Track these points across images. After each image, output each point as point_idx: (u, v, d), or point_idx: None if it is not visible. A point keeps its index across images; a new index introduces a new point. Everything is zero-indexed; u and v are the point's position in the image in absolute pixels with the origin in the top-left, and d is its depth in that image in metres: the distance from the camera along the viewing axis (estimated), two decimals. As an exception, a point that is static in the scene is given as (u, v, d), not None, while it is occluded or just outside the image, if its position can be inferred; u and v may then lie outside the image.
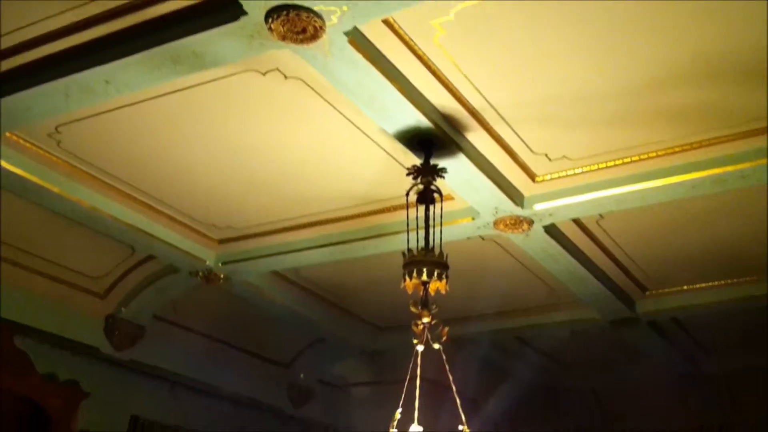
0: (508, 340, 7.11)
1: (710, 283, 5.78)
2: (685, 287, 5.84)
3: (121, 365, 5.82)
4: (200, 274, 5.45)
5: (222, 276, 5.50)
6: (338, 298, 6.37)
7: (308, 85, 3.68)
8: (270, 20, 3.05)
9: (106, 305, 5.65)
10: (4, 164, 4.14)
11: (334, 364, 7.55)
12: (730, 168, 4.03)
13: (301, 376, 7.32)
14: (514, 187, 4.43)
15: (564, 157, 4.21)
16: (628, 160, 4.17)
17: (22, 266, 5.09)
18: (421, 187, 3.94)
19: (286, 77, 3.63)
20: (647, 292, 5.96)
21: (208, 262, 5.35)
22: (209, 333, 6.37)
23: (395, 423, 3.59)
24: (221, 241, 5.30)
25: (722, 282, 5.75)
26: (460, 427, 3.66)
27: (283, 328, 6.65)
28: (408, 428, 3.57)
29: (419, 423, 3.59)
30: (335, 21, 3.07)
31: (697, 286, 5.82)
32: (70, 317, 5.46)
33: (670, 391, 7.73)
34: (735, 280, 5.70)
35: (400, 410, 3.62)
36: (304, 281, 6.01)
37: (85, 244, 5.18)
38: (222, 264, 5.40)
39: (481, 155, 4.12)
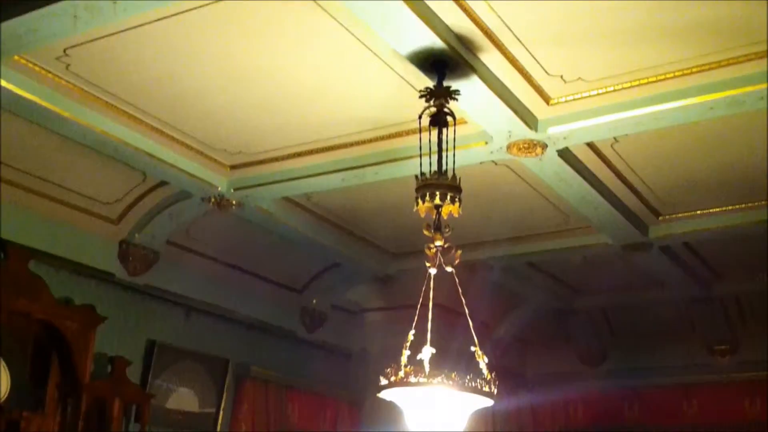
0: (520, 265, 7.14)
1: (723, 208, 5.77)
2: (698, 212, 5.82)
3: (137, 290, 5.87)
4: (212, 199, 5.45)
5: (234, 202, 5.50)
6: (351, 224, 6.37)
7: (320, 6, 3.61)
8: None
9: (120, 231, 5.67)
10: (13, 88, 4.09)
11: (347, 289, 7.60)
12: (748, 89, 3.97)
13: (314, 301, 7.38)
14: (528, 111, 4.38)
15: (579, 78, 4.15)
16: (645, 81, 4.10)
17: (34, 192, 5.09)
18: (433, 109, 3.89)
19: (297, -3, 3.57)
20: (660, 217, 5.95)
21: (220, 188, 5.34)
22: (223, 258, 6.41)
23: (408, 344, 3.62)
24: (233, 167, 5.28)
25: (735, 206, 5.74)
26: (472, 348, 3.69)
27: (296, 253, 6.68)
28: (421, 350, 3.61)
29: (431, 345, 3.62)
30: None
31: (710, 210, 5.81)
32: (83, 243, 5.48)
33: (681, 314, 7.80)
34: (747, 204, 5.68)
35: (413, 332, 3.65)
36: (316, 207, 6.01)
37: (96, 169, 5.17)
38: (234, 190, 5.39)
39: (495, 77, 4.06)
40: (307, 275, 7.20)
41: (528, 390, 8.30)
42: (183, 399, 6.11)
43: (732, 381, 7.68)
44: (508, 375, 7.65)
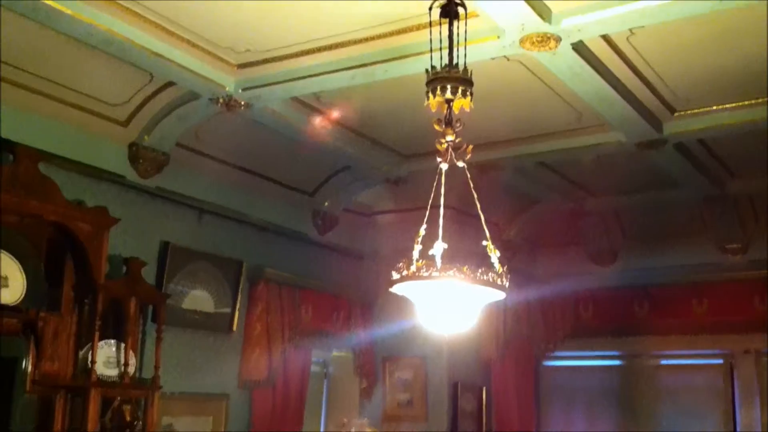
0: (532, 165, 7.09)
1: (739, 103, 5.65)
2: (714, 107, 5.72)
3: (148, 193, 5.88)
4: (221, 100, 5.39)
5: (242, 103, 5.43)
6: (361, 125, 6.31)
7: None
8: None
9: (129, 133, 5.63)
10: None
11: (359, 192, 7.61)
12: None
13: (326, 203, 7.39)
14: (542, 1, 4.25)
15: (594, -33, 4.02)
16: (662, -31, 3.97)
17: (41, 93, 5.04)
18: (444, 0, 3.80)
19: None
20: (675, 113, 5.85)
21: (227, 88, 5.27)
22: (234, 161, 6.39)
23: (420, 240, 3.62)
24: (240, 66, 5.19)
25: (751, 101, 5.61)
26: (484, 243, 3.69)
27: (307, 156, 6.65)
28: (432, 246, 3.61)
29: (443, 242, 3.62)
30: None
31: (726, 105, 5.70)
32: (93, 145, 5.46)
33: (693, 214, 7.79)
34: (764, 99, 5.56)
35: (424, 227, 3.65)
36: (325, 107, 5.93)
37: (103, 70, 5.09)
38: (242, 90, 5.32)
39: (507, -34, 3.94)
40: (318, 178, 7.19)
41: (538, 290, 8.37)
42: (198, 300, 6.19)
43: (742, 279, 7.71)
44: (519, 275, 7.71)
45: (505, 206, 7.77)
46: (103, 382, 5.07)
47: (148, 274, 5.70)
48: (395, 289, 3.62)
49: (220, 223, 6.53)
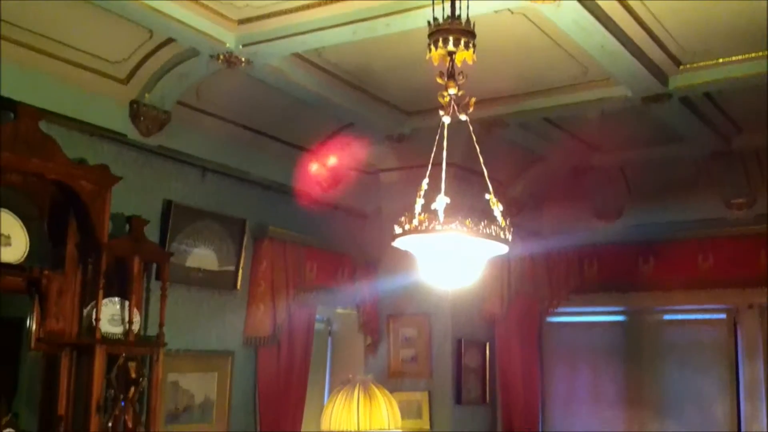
0: (537, 121, 7.04)
1: (746, 55, 5.58)
2: (720, 60, 5.65)
3: (150, 151, 5.85)
4: (221, 57, 5.33)
5: (243, 59, 5.38)
6: (363, 82, 6.25)
7: None
8: None
9: (129, 91, 5.57)
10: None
11: (361, 150, 7.57)
12: None
13: (329, 162, 7.35)
14: (546, -48, 4.19)
15: None
16: None
17: (40, 51, 4.98)
18: (446, -49, 3.73)
19: None
20: (681, 66, 5.78)
21: (228, 44, 5.21)
22: (236, 119, 6.35)
23: (422, 193, 3.60)
24: (240, 22, 5.13)
25: (758, 54, 5.54)
26: (487, 196, 3.67)
27: (309, 114, 6.61)
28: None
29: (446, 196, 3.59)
30: None
31: (733, 58, 5.63)
32: (94, 103, 5.41)
33: (699, 169, 7.75)
34: (771, 51, 5.51)
35: (427, 180, 3.63)
36: (327, 64, 5.88)
37: (102, 27, 5.04)
38: (242, 46, 5.26)
39: None
40: (320, 136, 7.14)
41: (543, 247, 8.36)
42: (202, 258, 6.19)
43: (747, 234, 7.68)
44: (523, 232, 7.69)
45: (509, 164, 7.73)
46: (107, 340, 5.09)
47: (152, 233, 5.69)
48: (397, 243, 3.61)
49: (224, 182, 6.51)
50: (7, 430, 4.47)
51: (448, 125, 3.69)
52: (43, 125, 4.92)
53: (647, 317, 8.61)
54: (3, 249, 4.70)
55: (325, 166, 7.25)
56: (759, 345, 7.90)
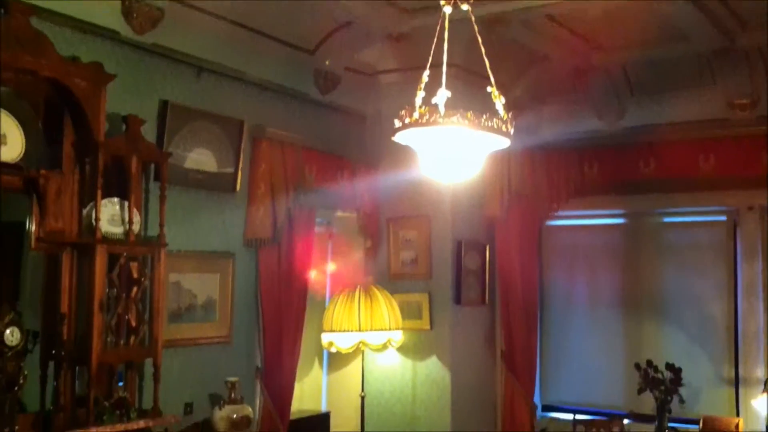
0: (539, 18, 6.89)
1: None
2: (729, -49, 5.50)
3: (144, 49, 5.72)
4: (215, -51, 5.17)
5: (238, -48, 5.22)
6: (361, -24, 6.09)
7: None
8: None
9: (120, -16, 5.44)
10: None
11: (361, 50, 7.45)
12: None
13: (327, 62, 7.23)
14: None
15: None
16: None
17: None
18: None
19: None
20: (688, -42, 5.63)
21: (222, -64, 5.05)
22: (231, 17, 6.18)
23: (423, 86, 3.54)
24: None
25: (768, -56, 5.40)
26: (489, 89, 3.61)
27: (306, 11, 6.46)
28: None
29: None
30: None
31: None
32: (85, -1, 5.28)
33: (702, 69, 7.62)
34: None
35: (427, 72, 3.56)
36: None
37: None
38: (237, -62, 5.11)
39: None
40: (318, 35, 7.00)
41: (543, 148, 8.31)
42: (200, 159, 6.13)
43: (750, 135, 7.61)
44: (524, 134, 7.62)
45: (510, 64, 7.60)
46: (108, 239, 5.08)
47: (149, 134, 5.62)
48: (398, 137, 3.57)
49: (220, 82, 6.40)
50: (11, 328, 4.50)
51: (451, 23, 3.60)
52: (34, 21, 4.80)
53: (647, 219, 8.62)
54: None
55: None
56: (758, 246, 7.93)
